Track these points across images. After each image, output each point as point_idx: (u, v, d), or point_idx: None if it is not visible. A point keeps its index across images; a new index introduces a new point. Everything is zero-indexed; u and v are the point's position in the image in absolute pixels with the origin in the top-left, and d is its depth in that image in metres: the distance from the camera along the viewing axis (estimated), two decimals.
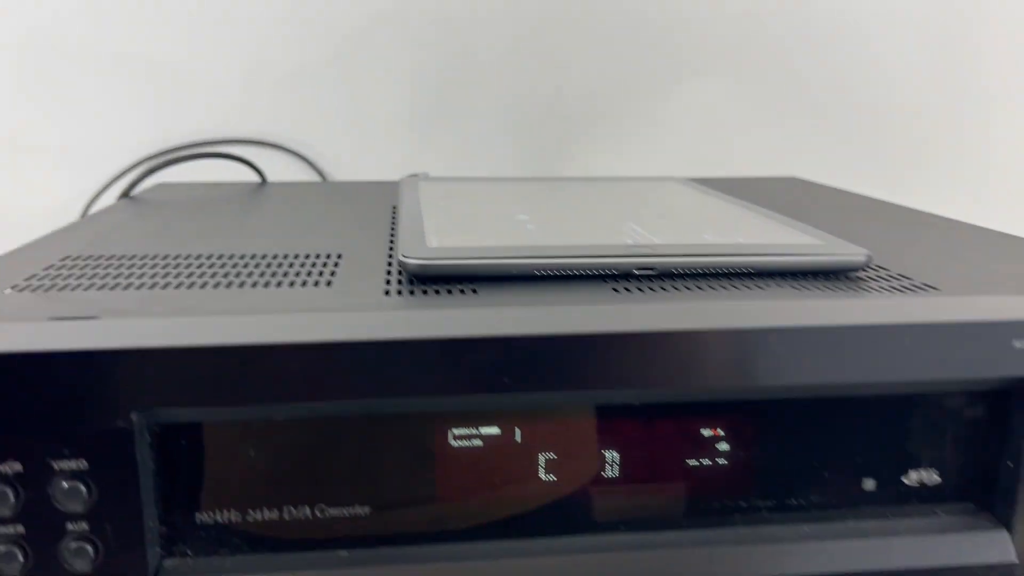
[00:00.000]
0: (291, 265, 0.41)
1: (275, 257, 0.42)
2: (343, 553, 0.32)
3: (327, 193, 0.66)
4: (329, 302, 0.34)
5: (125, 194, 0.63)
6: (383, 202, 0.62)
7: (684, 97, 0.83)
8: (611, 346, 0.31)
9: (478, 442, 0.33)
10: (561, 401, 0.33)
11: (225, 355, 0.30)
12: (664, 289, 0.36)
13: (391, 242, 0.47)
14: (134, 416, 0.30)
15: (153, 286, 0.37)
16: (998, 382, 0.33)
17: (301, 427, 0.32)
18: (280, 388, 0.30)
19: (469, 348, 0.31)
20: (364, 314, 0.32)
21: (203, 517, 0.32)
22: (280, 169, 0.79)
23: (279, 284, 0.38)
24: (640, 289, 0.36)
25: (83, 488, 0.30)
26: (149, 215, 0.56)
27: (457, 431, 0.33)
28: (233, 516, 0.32)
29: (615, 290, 0.36)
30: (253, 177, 0.72)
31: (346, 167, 0.81)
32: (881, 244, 0.47)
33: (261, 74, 0.77)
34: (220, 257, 0.42)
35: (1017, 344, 0.33)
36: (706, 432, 0.34)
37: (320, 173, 0.79)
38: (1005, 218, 0.78)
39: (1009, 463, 0.34)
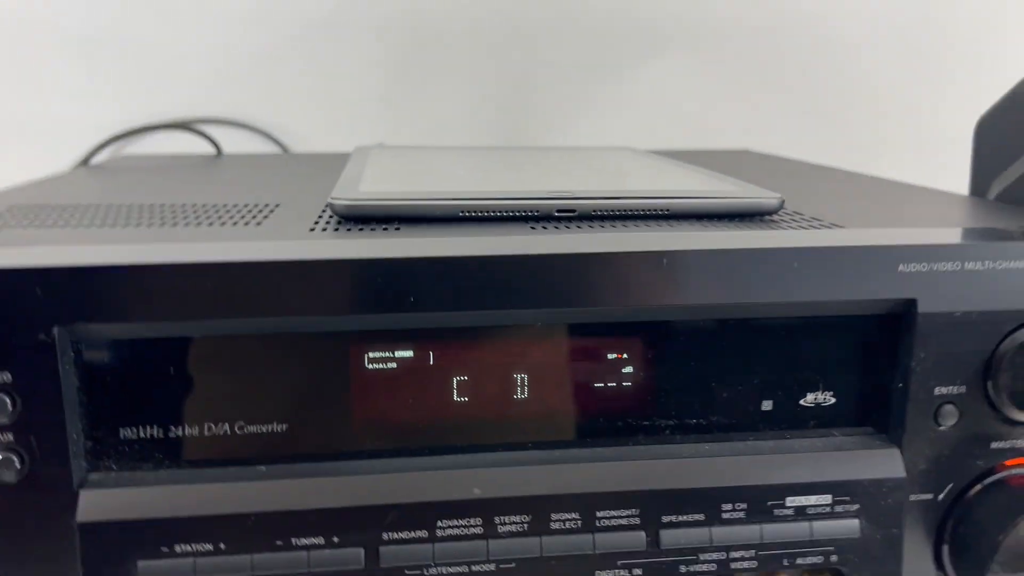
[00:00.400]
0: (227, 212, 0.42)
1: (213, 207, 0.44)
2: (261, 468, 0.34)
3: (281, 162, 0.68)
4: (251, 235, 0.36)
5: (83, 162, 0.64)
6: (335, 168, 0.63)
7: (651, 73, 0.85)
8: (520, 269, 0.33)
9: (392, 364, 0.35)
10: (471, 324, 0.34)
11: (142, 273, 0.31)
12: (580, 228, 0.38)
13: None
14: (56, 331, 0.31)
15: (89, 226, 0.38)
16: (886, 305, 0.35)
17: (220, 345, 0.33)
18: (197, 306, 0.32)
19: (377, 268, 0.32)
20: (280, 242, 0.34)
21: (127, 432, 0.33)
22: (249, 149, 0.80)
23: (210, 224, 0.39)
24: (557, 228, 0.38)
25: (7, 399, 0.31)
26: (101, 177, 0.57)
27: (372, 354, 0.34)
28: (156, 431, 0.34)
29: (533, 228, 0.38)
30: (213, 151, 0.74)
31: (314, 147, 0.82)
32: (804, 196, 0.49)
33: (229, 55, 0.78)
34: (155, 206, 0.44)
35: (902, 268, 0.35)
36: (611, 355, 0.36)
37: (285, 151, 0.81)
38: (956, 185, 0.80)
39: (899, 384, 0.36)
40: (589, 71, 0.84)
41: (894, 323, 0.36)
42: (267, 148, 0.80)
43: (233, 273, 0.32)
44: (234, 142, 0.78)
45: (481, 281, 0.33)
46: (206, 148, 0.74)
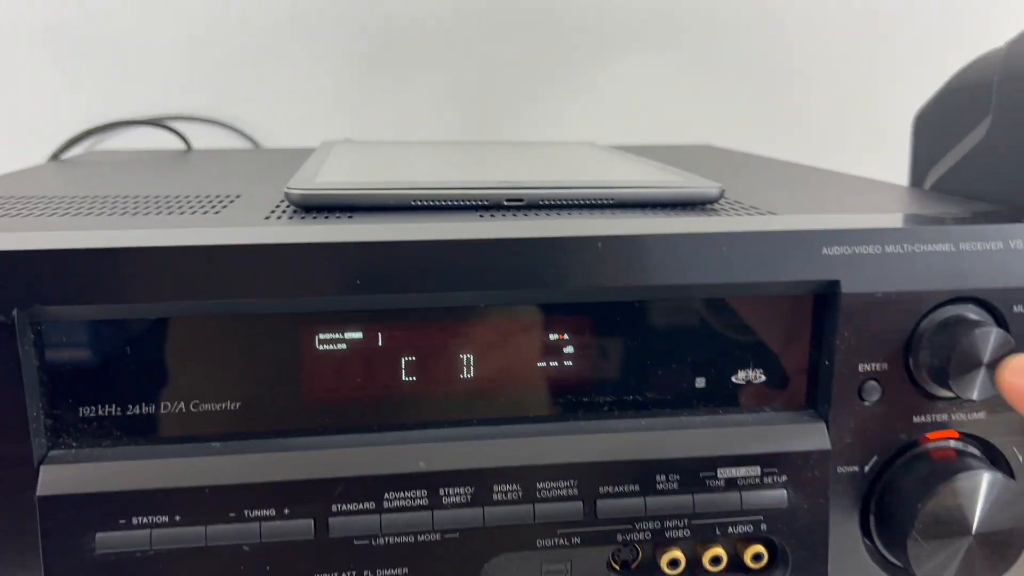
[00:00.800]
0: (188, 203, 0.44)
1: (175, 198, 0.46)
2: (215, 444, 0.36)
3: (249, 157, 0.69)
4: (209, 222, 0.37)
5: (54, 157, 0.65)
6: (299, 162, 0.64)
7: (616, 69, 0.87)
8: (464, 253, 0.35)
9: (342, 345, 0.36)
10: (418, 306, 0.36)
11: (98, 258, 0.33)
12: (527, 216, 0.39)
13: None
14: (15, 313, 0.33)
15: (52, 214, 0.40)
16: (811, 286, 0.37)
17: (175, 327, 0.35)
18: (152, 290, 0.33)
19: (325, 252, 0.34)
20: (233, 228, 0.36)
21: (86, 411, 0.35)
22: (220, 146, 0.81)
23: (170, 213, 0.41)
24: (505, 216, 0.40)
25: None
26: (70, 170, 0.59)
27: (322, 335, 0.36)
28: (114, 410, 0.35)
29: (482, 216, 0.40)
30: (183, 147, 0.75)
31: (285, 143, 0.84)
32: (749, 187, 0.51)
33: (200, 52, 0.79)
34: (119, 197, 0.45)
35: (826, 251, 0.37)
36: (552, 336, 0.37)
37: (256, 146, 0.82)
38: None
39: (825, 362, 0.38)
40: (556, 67, 0.85)
41: (819, 303, 0.38)
42: (239, 144, 0.81)
43: (186, 257, 0.33)
44: (205, 139, 0.80)
45: (427, 265, 0.35)
46: (177, 144, 0.76)
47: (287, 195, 0.40)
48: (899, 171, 0.62)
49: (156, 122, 0.73)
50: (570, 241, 0.35)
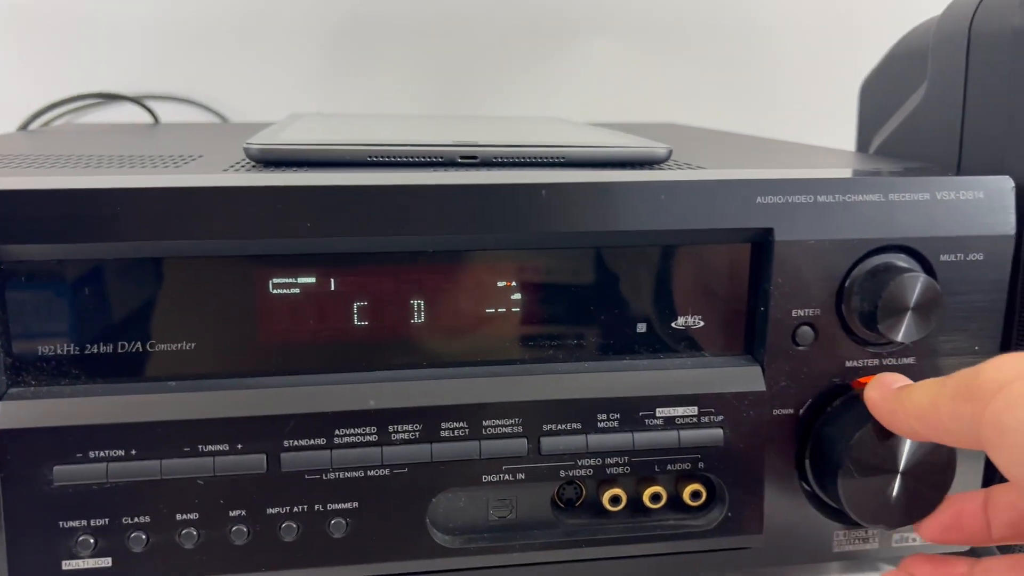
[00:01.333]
0: (150, 160, 0.45)
1: (139, 157, 0.47)
2: (171, 383, 0.37)
3: (216, 129, 0.70)
4: (170, 173, 0.39)
5: (24, 126, 0.66)
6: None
7: (585, 52, 0.88)
8: (412, 197, 0.36)
9: (295, 290, 0.38)
10: (368, 250, 0.37)
11: (58, 198, 0.34)
12: (479, 172, 0.41)
13: None
14: None
15: (17, 167, 0.41)
16: (746, 234, 0.39)
17: (132, 268, 0.36)
18: (110, 231, 0.35)
19: (276, 195, 0.35)
20: (192, 175, 0.37)
21: (45, 349, 0.36)
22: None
23: (132, 167, 0.42)
24: (458, 171, 0.41)
25: None
26: (36, 138, 0.60)
27: (276, 279, 0.37)
28: (72, 349, 0.36)
29: (435, 171, 0.41)
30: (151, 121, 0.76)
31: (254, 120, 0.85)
32: (700, 152, 0.52)
33: (171, 31, 0.80)
34: (83, 156, 0.47)
35: (760, 199, 0.38)
36: (499, 282, 0.39)
37: (225, 122, 0.83)
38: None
39: (760, 307, 0.39)
40: (524, 48, 0.87)
41: (754, 251, 0.39)
42: (209, 120, 0.82)
43: (144, 199, 0.35)
44: (175, 117, 0.80)
45: (376, 209, 0.36)
46: (145, 119, 0.76)
47: (246, 150, 0.42)
48: None
49: (123, 96, 0.74)
50: (516, 188, 0.37)
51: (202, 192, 0.35)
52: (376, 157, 0.42)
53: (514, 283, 0.39)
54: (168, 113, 0.80)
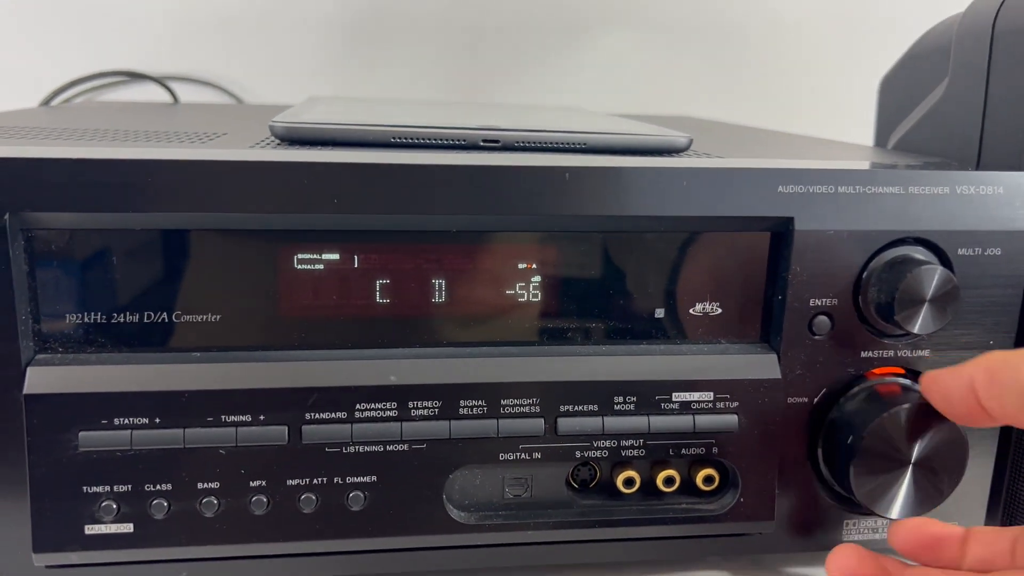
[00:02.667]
0: (176, 135, 0.46)
1: (165, 132, 0.47)
2: (196, 354, 0.37)
3: (235, 109, 0.71)
4: (197, 148, 0.39)
5: (45, 102, 0.67)
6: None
7: (601, 45, 0.88)
8: (438, 177, 0.37)
9: (319, 266, 0.38)
10: (393, 228, 0.38)
11: (88, 167, 0.34)
12: (502, 155, 0.41)
13: None
14: (7, 218, 0.34)
15: (45, 139, 0.42)
16: (766, 222, 0.39)
17: (161, 239, 0.37)
18: (140, 201, 0.35)
19: (307, 171, 0.36)
20: (222, 149, 0.38)
21: (73, 317, 0.37)
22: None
23: (158, 142, 0.42)
24: (480, 154, 0.41)
25: None
26: (59, 113, 0.60)
27: (301, 255, 0.38)
28: (100, 317, 0.37)
29: (458, 154, 0.41)
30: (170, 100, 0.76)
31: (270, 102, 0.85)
32: (719, 143, 0.53)
33: (187, 12, 0.80)
34: (109, 130, 0.47)
35: (781, 188, 0.39)
36: (521, 264, 0.39)
37: (241, 104, 0.83)
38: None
39: (778, 296, 0.40)
40: (541, 40, 0.87)
41: (774, 240, 0.40)
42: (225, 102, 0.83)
43: (173, 170, 0.35)
44: (191, 98, 0.81)
45: (402, 187, 0.37)
46: (164, 99, 0.77)
47: (271, 128, 0.42)
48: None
49: (145, 75, 0.74)
50: (540, 171, 0.37)
51: (231, 166, 0.35)
52: (399, 138, 0.43)
53: (535, 265, 0.40)
54: (186, 94, 0.80)
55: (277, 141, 0.43)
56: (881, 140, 0.56)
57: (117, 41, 0.79)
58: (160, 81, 0.75)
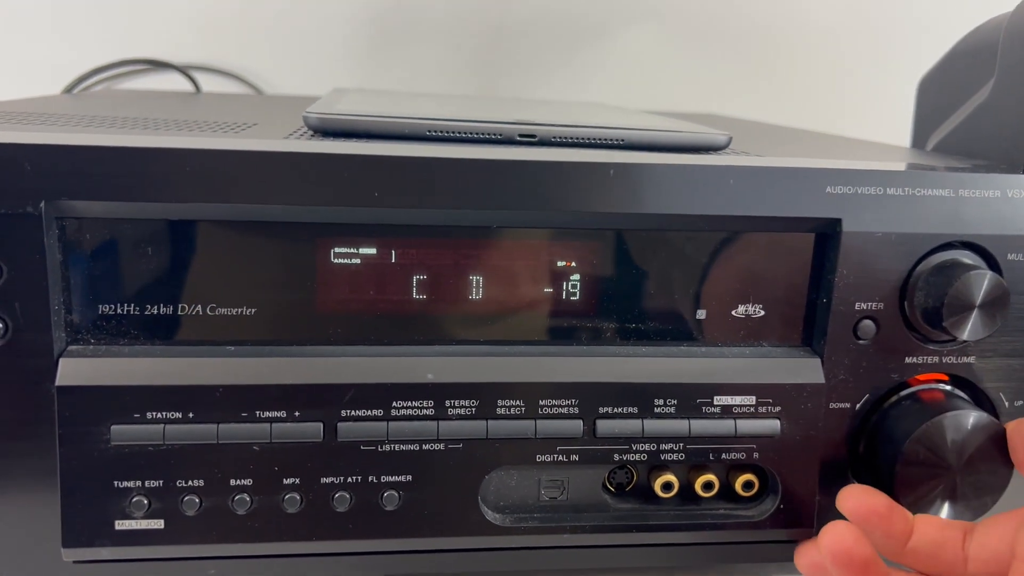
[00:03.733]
0: (207, 125, 0.45)
1: (195, 122, 0.46)
2: (230, 348, 0.37)
3: (260, 100, 0.70)
4: (231, 138, 0.38)
5: (67, 90, 0.66)
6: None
7: (623, 42, 0.87)
8: (478, 172, 0.36)
9: (356, 260, 0.37)
10: (433, 223, 0.37)
11: (126, 155, 0.34)
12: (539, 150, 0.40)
13: None
14: (43, 205, 0.34)
15: (76, 125, 0.41)
16: (813, 223, 0.38)
17: (197, 230, 0.36)
18: (176, 191, 0.34)
19: (345, 163, 0.35)
20: (257, 140, 0.37)
21: (105, 308, 0.36)
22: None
23: (190, 131, 0.42)
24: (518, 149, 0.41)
25: None
26: (85, 100, 0.59)
27: (338, 248, 0.37)
28: (133, 308, 0.36)
29: (495, 149, 0.40)
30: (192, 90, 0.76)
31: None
32: (756, 141, 0.52)
33: (210, 4, 0.79)
34: (139, 118, 0.46)
35: (829, 189, 0.38)
36: (560, 262, 0.39)
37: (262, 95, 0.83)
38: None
39: (823, 299, 0.39)
40: (565, 36, 0.86)
41: (819, 241, 0.39)
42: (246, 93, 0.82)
43: (211, 160, 0.34)
44: (211, 88, 0.80)
45: (442, 181, 0.36)
46: (185, 88, 0.76)
47: (305, 119, 0.41)
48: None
49: (168, 64, 0.74)
50: (583, 166, 0.36)
51: (270, 156, 0.35)
52: (436, 131, 0.42)
53: (574, 263, 0.39)
54: (206, 84, 0.79)
55: (311, 132, 0.42)
56: (919, 141, 0.55)
57: (139, 30, 0.78)
58: (182, 70, 0.74)
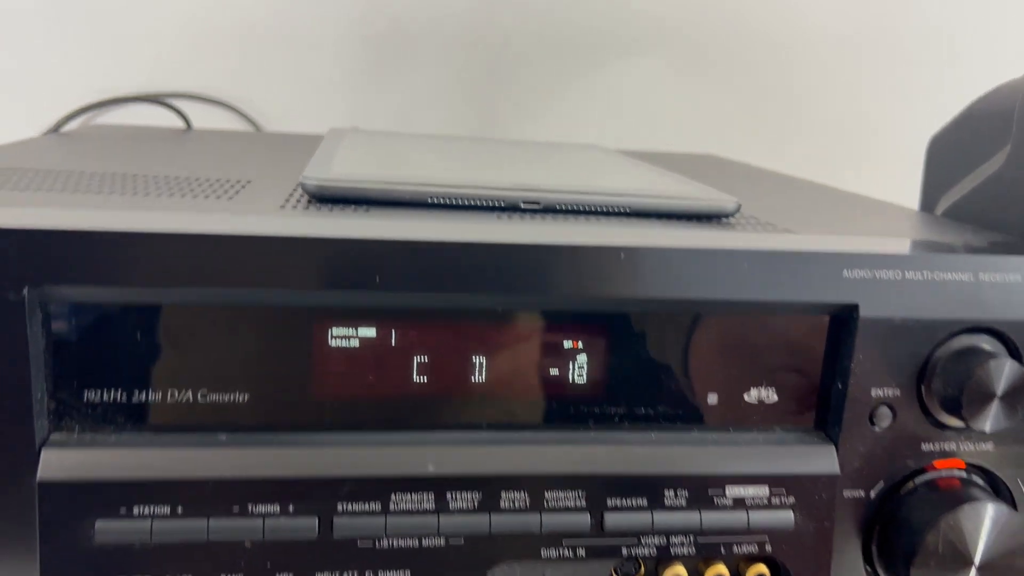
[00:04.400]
0: (198, 184, 0.43)
1: (185, 179, 0.45)
2: (221, 436, 0.35)
3: (253, 140, 0.68)
4: (222, 208, 0.37)
5: (53, 130, 0.64)
6: (307, 148, 0.64)
7: (622, 72, 0.86)
8: (483, 255, 0.34)
9: (355, 342, 0.36)
10: (434, 306, 0.36)
11: (113, 240, 0.32)
12: (544, 220, 0.39)
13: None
14: (26, 291, 0.32)
15: (62, 190, 0.39)
16: (830, 308, 0.37)
17: (186, 314, 0.34)
18: (165, 275, 0.33)
19: (346, 247, 0.33)
20: (250, 216, 0.35)
21: (90, 395, 0.34)
22: (219, 126, 0.80)
23: (182, 196, 0.40)
24: (522, 218, 0.39)
25: None
26: (71, 144, 0.58)
27: (335, 330, 0.36)
28: (119, 395, 0.34)
29: (499, 218, 0.39)
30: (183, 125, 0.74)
31: (285, 126, 0.83)
32: (761, 201, 0.50)
33: (202, 29, 0.78)
34: (127, 175, 0.45)
35: (847, 273, 0.36)
36: (566, 344, 0.37)
37: (256, 127, 0.81)
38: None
39: (839, 385, 0.38)
40: (565, 67, 0.85)
41: (834, 325, 0.38)
42: (238, 125, 0.80)
43: (202, 244, 0.33)
44: (204, 118, 0.78)
45: (445, 264, 0.34)
46: (176, 122, 0.74)
47: (302, 184, 0.40)
48: (900, 190, 0.62)
49: (156, 99, 0.72)
50: (592, 250, 0.35)
51: (264, 241, 0.33)
52: (436, 199, 0.41)
53: (580, 344, 0.37)
54: (194, 112, 0.78)
55: (308, 198, 0.41)
56: (928, 202, 0.53)
57: (128, 57, 0.76)
58: (173, 106, 0.73)
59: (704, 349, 0.38)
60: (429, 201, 0.41)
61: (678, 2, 0.86)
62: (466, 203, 0.41)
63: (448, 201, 0.41)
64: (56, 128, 0.66)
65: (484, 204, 0.41)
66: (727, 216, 0.43)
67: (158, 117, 0.75)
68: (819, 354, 0.38)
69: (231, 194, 0.42)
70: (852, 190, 0.62)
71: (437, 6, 0.82)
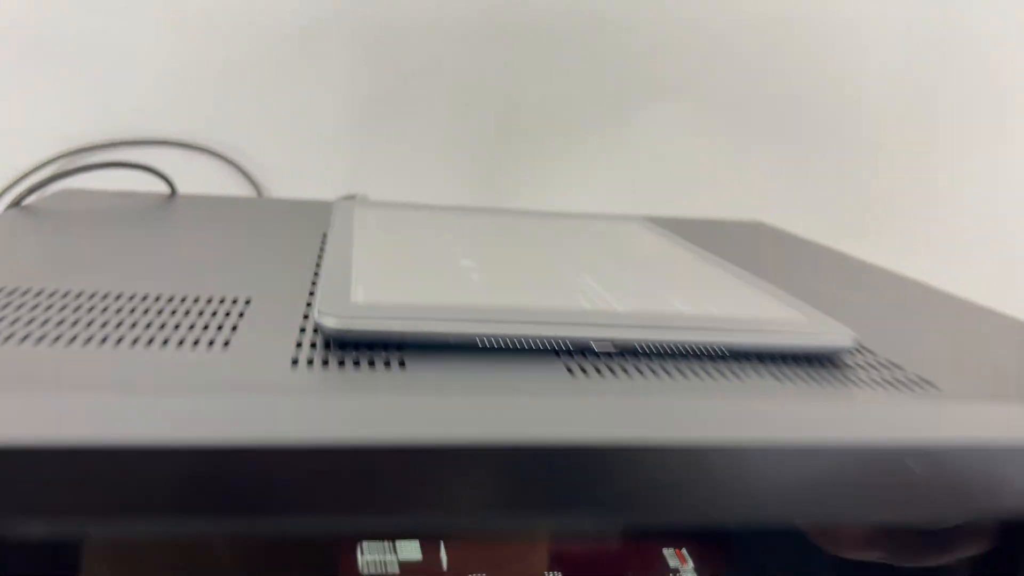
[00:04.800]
0: (188, 311, 0.34)
1: (169, 299, 0.36)
2: None
3: (246, 212, 0.59)
4: (222, 375, 0.28)
5: (16, 203, 0.55)
6: (309, 228, 0.55)
7: (644, 125, 0.78)
8: (563, 459, 0.25)
9: (395, 569, 0.27)
10: (500, 523, 0.27)
11: (76, 458, 0.23)
12: (626, 371, 0.31)
13: (313, 284, 0.41)
14: None
15: (10, 337, 0.30)
16: (1009, 515, 0.28)
17: (175, 548, 0.25)
18: (148, 499, 0.24)
19: (389, 457, 0.24)
20: (255, 396, 0.26)
21: None
22: (209, 175, 0.72)
23: (165, 342, 0.31)
24: (598, 370, 0.31)
25: None
26: (35, 231, 0.48)
27: (368, 557, 0.26)
28: None
29: (569, 370, 0.31)
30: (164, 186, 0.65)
31: (279, 178, 0.74)
32: (862, 317, 0.42)
33: (188, 72, 0.70)
34: (98, 294, 0.36)
35: None
36: (672, 561, 0.28)
37: (252, 181, 0.72)
38: (971, 271, 0.76)
39: None
40: (582, 119, 0.77)
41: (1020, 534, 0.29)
42: (226, 173, 0.72)
43: (199, 459, 0.24)
44: (189, 165, 0.70)
45: (515, 473, 0.25)
46: (159, 185, 0.66)
47: (319, 326, 0.31)
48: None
49: (136, 165, 0.63)
50: (711, 453, 0.26)
51: (274, 452, 0.24)
52: (488, 341, 0.32)
53: (688, 564, 0.28)
54: (175, 158, 0.69)
55: (325, 342, 0.32)
56: None
57: (104, 100, 0.69)
58: (157, 172, 0.64)
59: (840, 565, 0.29)
60: (479, 343, 0.32)
61: (703, 49, 0.78)
62: (525, 345, 0.32)
63: (502, 344, 0.32)
64: (19, 200, 0.57)
65: (547, 346, 0.33)
66: (843, 351, 0.35)
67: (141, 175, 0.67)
68: (993, 566, 0.29)
69: (228, 331, 0.33)
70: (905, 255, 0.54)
71: (445, 58, 0.74)
